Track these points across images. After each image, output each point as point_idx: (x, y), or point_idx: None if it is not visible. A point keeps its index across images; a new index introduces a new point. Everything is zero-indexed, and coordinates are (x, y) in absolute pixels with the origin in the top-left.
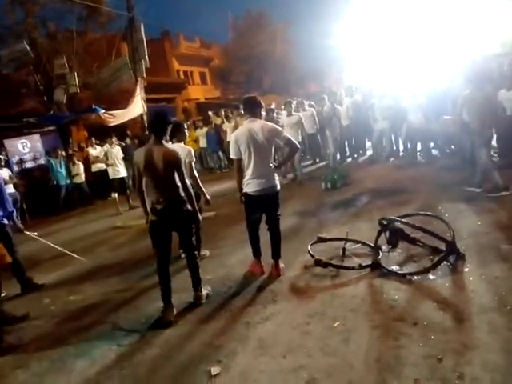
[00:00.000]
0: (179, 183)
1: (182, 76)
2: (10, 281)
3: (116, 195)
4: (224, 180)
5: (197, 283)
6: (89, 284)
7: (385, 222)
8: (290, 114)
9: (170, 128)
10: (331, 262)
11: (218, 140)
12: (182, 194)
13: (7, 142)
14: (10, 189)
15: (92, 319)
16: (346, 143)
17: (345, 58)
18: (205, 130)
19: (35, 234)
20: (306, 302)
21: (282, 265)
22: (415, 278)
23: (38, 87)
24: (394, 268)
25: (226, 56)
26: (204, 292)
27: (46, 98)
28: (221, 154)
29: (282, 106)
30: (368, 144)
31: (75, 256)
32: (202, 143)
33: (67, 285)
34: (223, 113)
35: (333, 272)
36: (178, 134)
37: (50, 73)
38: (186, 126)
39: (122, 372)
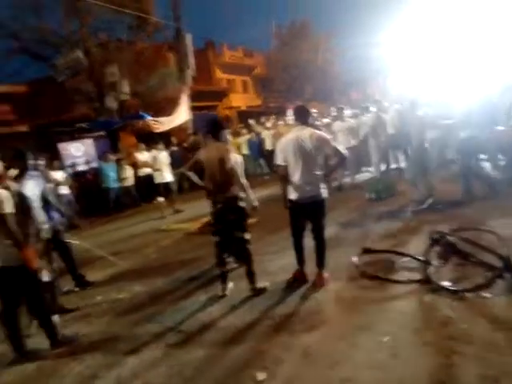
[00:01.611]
0: (234, 178)
1: (224, 84)
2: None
3: (161, 199)
4: (265, 187)
5: (251, 277)
6: (137, 283)
7: (436, 236)
8: (342, 120)
9: (224, 131)
10: (378, 274)
11: (259, 147)
12: (237, 190)
13: (61, 146)
14: (64, 190)
15: (141, 317)
16: (391, 153)
17: (389, 66)
18: (246, 137)
19: (77, 242)
20: (353, 314)
21: (326, 274)
22: (468, 294)
23: (90, 94)
24: (446, 284)
25: (269, 64)
26: (260, 285)
27: (97, 105)
28: (261, 161)
29: (334, 113)
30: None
31: (113, 260)
32: (244, 150)
33: (116, 283)
34: (263, 121)
35: (380, 285)
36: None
37: (101, 81)
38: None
39: (169, 370)
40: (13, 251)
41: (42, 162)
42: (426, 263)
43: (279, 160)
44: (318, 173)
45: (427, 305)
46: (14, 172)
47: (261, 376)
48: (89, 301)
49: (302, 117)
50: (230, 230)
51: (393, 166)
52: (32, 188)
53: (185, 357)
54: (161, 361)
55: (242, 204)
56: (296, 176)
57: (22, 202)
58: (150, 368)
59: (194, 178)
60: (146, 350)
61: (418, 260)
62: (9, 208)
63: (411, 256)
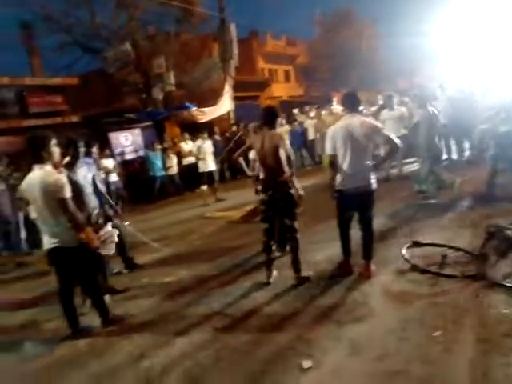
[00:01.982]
0: (285, 166)
1: (266, 74)
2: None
3: (205, 187)
4: (307, 177)
5: (296, 265)
6: (182, 268)
7: (493, 230)
8: (391, 108)
9: (278, 120)
10: (429, 268)
11: (302, 137)
12: (288, 177)
13: (111, 135)
14: (113, 177)
15: (187, 300)
16: (443, 143)
17: (437, 54)
18: (287, 127)
19: (127, 223)
20: (402, 307)
21: (372, 267)
22: None
23: (137, 85)
24: (503, 280)
25: (311, 53)
26: (304, 274)
27: (144, 96)
28: (304, 151)
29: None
30: (467, 145)
31: (156, 246)
32: (285, 140)
33: (163, 267)
34: (307, 110)
35: (430, 279)
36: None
37: (148, 72)
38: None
39: (217, 353)
40: (71, 233)
41: (94, 150)
42: (481, 258)
43: (329, 149)
44: (368, 162)
45: (481, 301)
46: (66, 159)
47: (307, 364)
48: (137, 283)
49: (352, 104)
50: (279, 218)
51: (444, 156)
52: (84, 174)
53: (231, 340)
54: (209, 343)
55: (292, 191)
56: (345, 165)
57: (74, 187)
58: (199, 350)
59: (244, 165)
60: (194, 332)
61: (473, 254)
62: (68, 192)
63: (465, 250)
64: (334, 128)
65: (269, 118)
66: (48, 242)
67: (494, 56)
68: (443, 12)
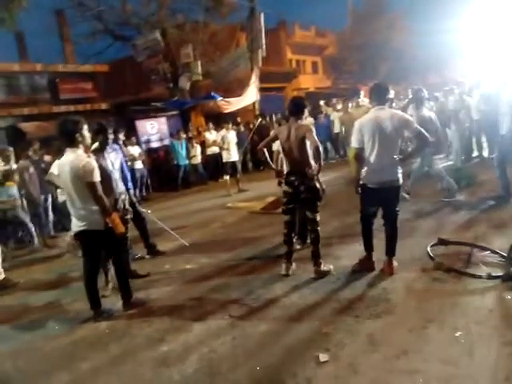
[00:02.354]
0: (309, 159)
1: (293, 65)
2: (138, 245)
3: (228, 177)
4: (331, 170)
5: (316, 258)
6: (203, 256)
7: None
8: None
9: (306, 111)
10: (454, 267)
11: (327, 130)
12: (312, 169)
13: (138, 123)
14: (138, 164)
15: (207, 287)
16: (474, 140)
17: (469, 50)
18: (311, 120)
19: (149, 211)
20: (424, 305)
21: (395, 263)
22: None
23: (165, 74)
24: None
25: (341, 44)
26: (324, 268)
27: (171, 85)
28: (328, 144)
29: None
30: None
31: (177, 236)
32: None
33: (184, 254)
34: (334, 102)
35: (455, 278)
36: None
37: (176, 61)
38: None
39: (233, 341)
40: (99, 216)
41: (122, 137)
42: (510, 259)
43: (355, 142)
44: (395, 156)
45: (507, 303)
46: (95, 145)
47: (323, 358)
48: (158, 269)
49: (381, 96)
50: (301, 210)
51: (475, 153)
52: (113, 160)
53: (248, 329)
54: (226, 331)
55: (317, 184)
56: (372, 159)
57: (102, 172)
58: (216, 337)
59: (267, 157)
60: (212, 319)
61: (501, 255)
62: (97, 177)
63: (493, 250)
64: (362, 120)
65: (296, 108)
66: (76, 225)
67: None
68: (473, 7)
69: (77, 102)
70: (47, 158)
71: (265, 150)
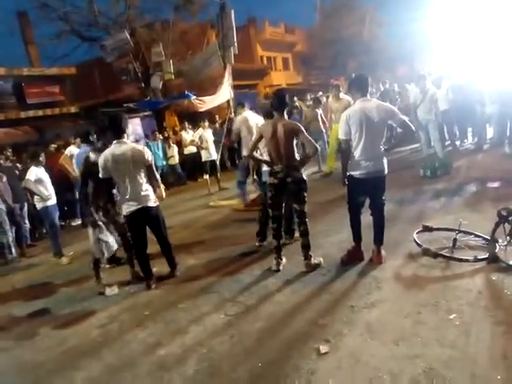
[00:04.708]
0: (295, 153)
1: (265, 62)
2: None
3: (207, 176)
4: (308, 165)
5: (306, 250)
6: (190, 256)
7: (505, 213)
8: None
9: (288, 105)
10: (442, 252)
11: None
12: (297, 162)
13: None
14: None
15: (198, 288)
16: (446, 129)
17: (438, 40)
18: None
19: None
20: (415, 291)
21: (383, 252)
22: None
23: (136, 74)
24: None
25: (311, 40)
26: (314, 261)
27: (143, 85)
28: None
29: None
30: (469, 130)
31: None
32: None
33: None
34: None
35: (442, 263)
36: None
37: (147, 61)
38: None
39: (231, 340)
40: (152, 195)
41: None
42: (493, 241)
43: (342, 134)
44: (381, 147)
45: (495, 284)
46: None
47: (324, 349)
48: None
49: (363, 87)
50: (287, 203)
51: (447, 142)
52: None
53: (245, 327)
54: (223, 330)
55: (303, 175)
56: (359, 150)
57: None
58: (213, 336)
59: (260, 158)
60: (207, 319)
61: (483, 238)
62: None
63: (476, 234)
64: (349, 112)
65: (280, 103)
66: (132, 205)
67: (491, 42)
68: None
69: (45, 106)
70: (20, 165)
71: (255, 152)
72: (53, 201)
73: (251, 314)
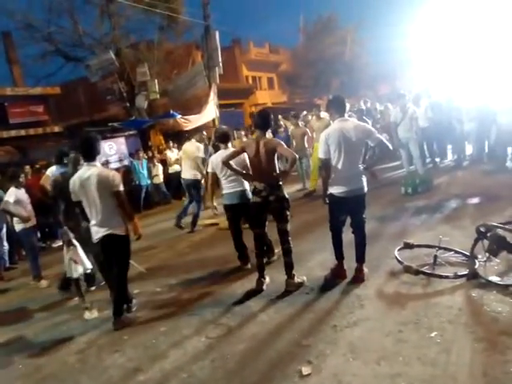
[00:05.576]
0: (276, 170)
1: (250, 81)
2: None
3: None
4: (291, 183)
5: (289, 269)
6: (173, 277)
7: (483, 230)
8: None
9: (271, 124)
10: (422, 269)
11: (287, 144)
12: (279, 181)
13: None
14: None
15: (179, 310)
16: (425, 146)
17: (419, 58)
18: (269, 134)
19: None
20: (397, 309)
21: (365, 269)
22: None
23: (121, 94)
24: (495, 279)
25: (294, 60)
26: (297, 280)
27: (128, 104)
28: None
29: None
30: (449, 147)
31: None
32: None
33: (153, 277)
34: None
35: (423, 280)
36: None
37: (132, 80)
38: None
39: (213, 364)
40: (121, 222)
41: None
42: (473, 258)
43: (322, 153)
44: (360, 166)
45: (475, 300)
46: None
47: (306, 370)
48: None
49: (340, 108)
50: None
51: (428, 159)
52: None
53: (227, 350)
54: (203, 353)
55: (285, 194)
56: (338, 169)
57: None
58: (194, 361)
59: (235, 167)
60: (188, 343)
61: (463, 254)
62: (122, 186)
63: (456, 250)
64: (328, 131)
65: (263, 122)
66: (100, 232)
67: (469, 61)
68: (421, 15)
69: (28, 126)
70: None
71: (231, 161)
72: (32, 222)
73: (233, 336)
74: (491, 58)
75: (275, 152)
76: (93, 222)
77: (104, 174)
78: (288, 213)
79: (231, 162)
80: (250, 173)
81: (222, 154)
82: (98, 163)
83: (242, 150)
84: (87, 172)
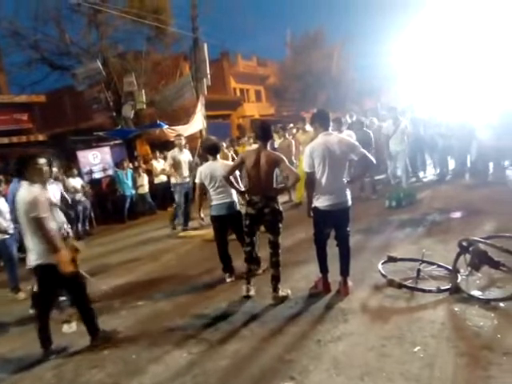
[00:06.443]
0: (274, 184)
1: (238, 93)
2: None
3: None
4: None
5: (275, 282)
6: (156, 290)
7: (465, 244)
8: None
9: (272, 136)
10: (406, 283)
11: None
12: (274, 193)
13: (80, 154)
14: (80, 197)
15: (161, 325)
16: (408, 161)
17: (403, 74)
18: (255, 146)
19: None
20: (381, 323)
21: (350, 283)
22: (501, 304)
23: (108, 103)
24: (477, 293)
25: (282, 73)
26: (282, 293)
27: (114, 114)
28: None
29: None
30: (431, 162)
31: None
32: None
33: (135, 291)
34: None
35: (407, 294)
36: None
37: (119, 90)
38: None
39: (194, 380)
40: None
41: (55, 170)
42: (455, 272)
43: (306, 166)
44: (344, 179)
45: (458, 314)
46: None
47: None
48: (108, 307)
49: (325, 122)
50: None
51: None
52: (53, 192)
53: (209, 366)
54: (184, 369)
55: (280, 207)
56: (323, 182)
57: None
58: (174, 377)
59: (236, 185)
60: (169, 358)
61: (447, 269)
62: (43, 211)
63: (439, 264)
64: (313, 145)
65: (264, 133)
66: (31, 259)
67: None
68: (406, 33)
69: (11, 134)
70: None
71: (231, 176)
72: (12, 233)
73: (215, 352)
74: (470, 76)
75: (276, 166)
76: (29, 247)
77: (29, 196)
78: (280, 225)
79: (231, 179)
80: (245, 184)
81: (211, 165)
82: (30, 183)
83: (242, 161)
84: (20, 192)
